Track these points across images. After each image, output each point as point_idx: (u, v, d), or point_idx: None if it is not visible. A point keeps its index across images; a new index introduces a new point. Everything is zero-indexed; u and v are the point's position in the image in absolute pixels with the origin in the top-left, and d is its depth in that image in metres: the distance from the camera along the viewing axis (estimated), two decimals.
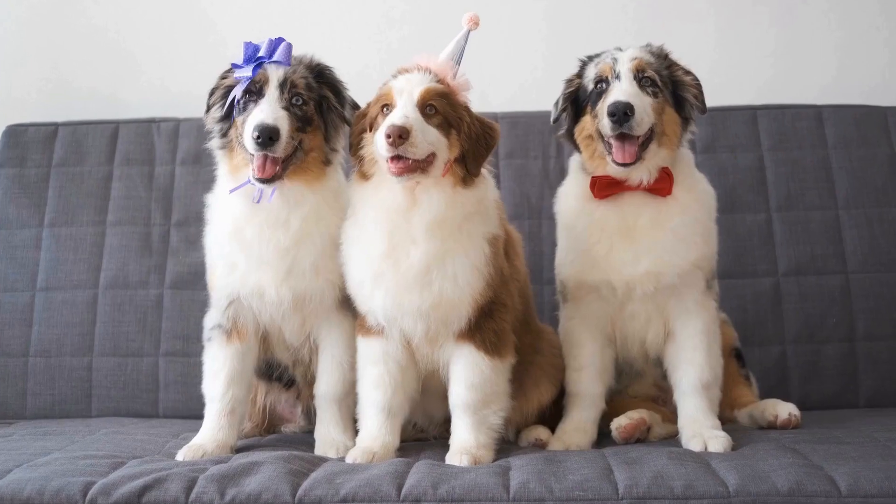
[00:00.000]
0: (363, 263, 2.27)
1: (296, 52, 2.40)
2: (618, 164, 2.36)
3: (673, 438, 2.47)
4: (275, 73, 2.33)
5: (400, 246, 2.22)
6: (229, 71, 2.41)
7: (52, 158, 3.32)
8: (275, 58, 2.33)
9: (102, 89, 3.61)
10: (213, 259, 2.45)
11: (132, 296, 3.17)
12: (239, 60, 2.36)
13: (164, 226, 3.25)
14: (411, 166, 2.16)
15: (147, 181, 3.29)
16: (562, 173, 3.19)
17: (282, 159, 2.30)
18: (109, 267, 3.20)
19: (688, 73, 2.47)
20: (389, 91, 2.25)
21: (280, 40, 2.36)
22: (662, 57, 2.47)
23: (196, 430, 2.43)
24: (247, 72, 2.32)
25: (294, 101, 2.34)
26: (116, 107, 3.56)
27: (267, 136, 2.23)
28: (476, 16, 2.34)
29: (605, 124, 2.34)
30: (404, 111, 2.18)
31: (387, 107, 2.24)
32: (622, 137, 2.35)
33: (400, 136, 2.12)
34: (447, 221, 2.22)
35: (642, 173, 2.40)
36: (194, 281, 3.11)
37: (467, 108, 2.29)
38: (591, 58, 2.53)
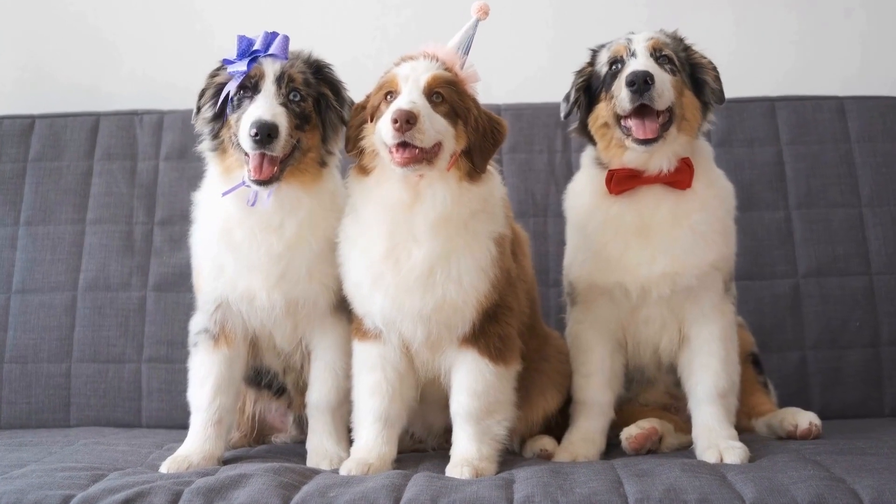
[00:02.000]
0: (362, 264, 2.27)
1: (291, 44, 2.39)
2: (639, 141, 2.34)
3: (686, 449, 2.48)
4: (271, 68, 2.32)
5: (401, 245, 2.22)
6: (220, 69, 2.40)
7: (29, 153, 3.32)
8: (271, 51, 2.32)
9: (82, 80, 3.62)
10: (199, 261, 2.45)
11: (113, 298, 3.17)
12: (229, 54, 2.35)
13: (147, 224, 3.25)
14: (417, 156, 2.16)
15: (129, 177, 3.30)
16: (568, 168, 3.20)
17: (280, 159, 2.30)
18: (89, 268, 3.20)
19: (704, 56, 2.47)
20: (394, 78, 2.25)
21: (276, 33, 2.35)
22: (678, 40, 2.48)
23: (181, 441, 2.43)
24: (241, 66, 2.31)
25: (292, 96, 2.33)
26: (97, 98, 3.56)
27: (265, 133, 2.22)
28: (486, 5, 2.34)
29: (624, 97, 2.33)
30: (411, 97, 2.18)
31: (391, 94, 2.24)
32: (642, 112, 2.34)
33: (408, 120, 2.11)
34: (452, 219, 2.22)
35: (662, 160, 2.39)
36: (179, 283, 3.12)
37: (475, 100, 2.29)
38: (602, 45, 2.53)
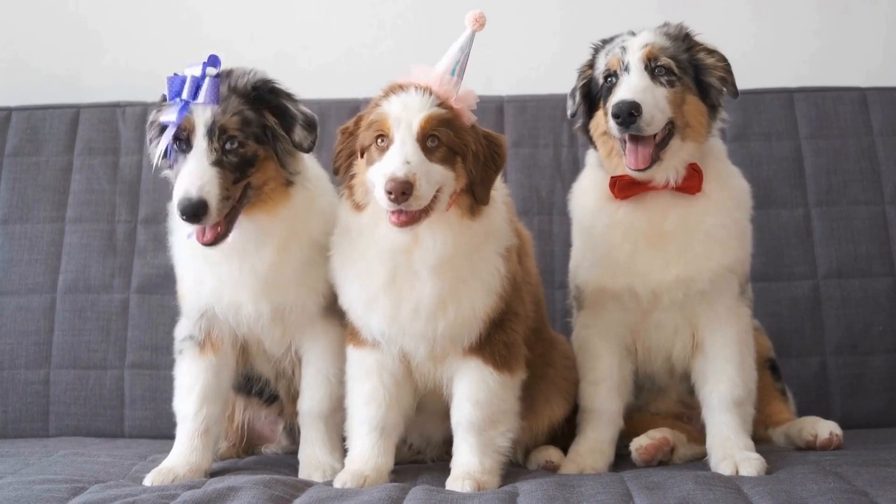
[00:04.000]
0: (359, 287, 2.26)
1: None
2: (631, 169, 2.35)
3: (700, 460, 2.48)
4: (202, 118, 2.23)
5: (402, 277, 2.21)
6: (164, 102, 2.31)
7: (5, 147, 3.32)
8: (199, 99, 2.23)
9: (61, 70, 3.62)
10: (181, 270, 2.44)
11: (94, 301, 3.17)
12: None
13: (130, 223, 3.25)
14: (415, 216, 2.11)
15: (111, 172, 3.30)
16: (575, 164, 3.20)
17: (225, 215, 2.23)
18: (69, 268, 3.20)
19: (711, 53, 2.43)
20: (384, 119, 2.15)
21: (210, 66, 2.25)
22: (681, 38, 2.44)
23: (166, 452, 2.43)
24: (172, 116, 2.23)
25: (228, 146, 2.25)
26: (77, 90, 3.57)
27: (192, 213, 2.16)
28: (482, 14, 2.22)
29: (612, 126, 2.33)
30: (404, 155, 2.09)
31: (382, 138, 2.16)
32: (635, 138, 2.34)
33: (403, 192, 2.05)
34: (455, 258, 2.19)
35: (667, 173, 2.38)
36: (163, 284, 3.12)
37: (474, 128, 2.22)
38: (604, 42, 2.51)
